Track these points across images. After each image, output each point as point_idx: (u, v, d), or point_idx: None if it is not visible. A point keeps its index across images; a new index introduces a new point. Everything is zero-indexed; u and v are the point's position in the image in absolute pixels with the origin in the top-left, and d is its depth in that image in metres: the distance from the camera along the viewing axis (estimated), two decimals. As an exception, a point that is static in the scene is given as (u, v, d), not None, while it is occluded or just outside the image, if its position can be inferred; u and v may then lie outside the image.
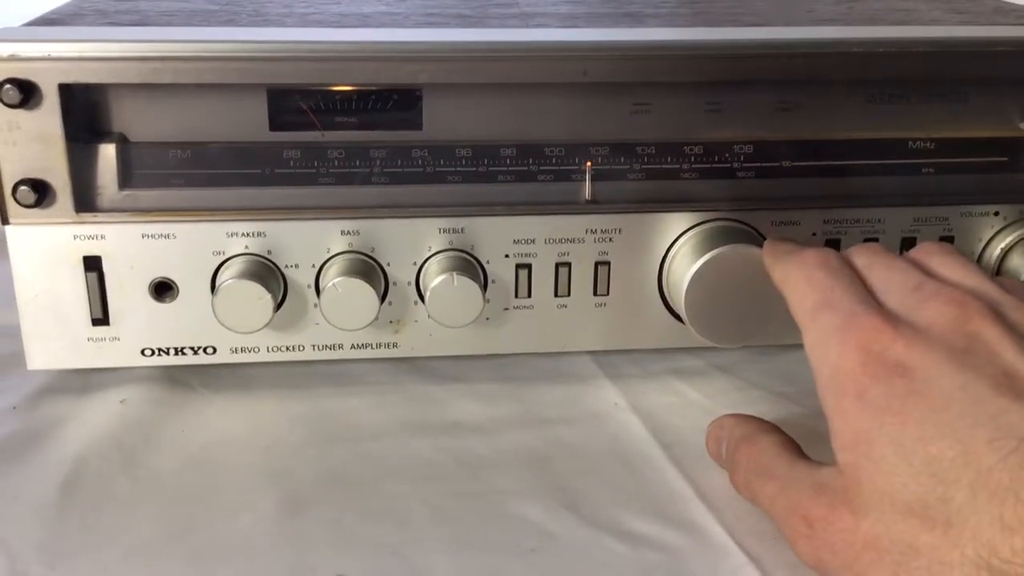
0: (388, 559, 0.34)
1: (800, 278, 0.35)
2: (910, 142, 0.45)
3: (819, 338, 0.33)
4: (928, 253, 0.35)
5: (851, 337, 0.32)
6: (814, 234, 0.45)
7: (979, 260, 0.46)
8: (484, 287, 0.43)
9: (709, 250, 0.42)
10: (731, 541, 0.35)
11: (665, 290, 0.45)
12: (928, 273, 0.34)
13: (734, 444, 0.36)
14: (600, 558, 0.34)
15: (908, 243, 0.45)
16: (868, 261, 0.35)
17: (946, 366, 0.30)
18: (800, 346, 0.34)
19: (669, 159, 0.44)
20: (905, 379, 0.30)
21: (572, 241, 0.44)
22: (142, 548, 0.34)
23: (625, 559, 0.34)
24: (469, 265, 0.43)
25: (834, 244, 0.45)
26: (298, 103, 0.42)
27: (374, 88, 0.42)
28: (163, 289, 0.43)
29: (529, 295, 0.44)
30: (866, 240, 0.45)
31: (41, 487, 0.37)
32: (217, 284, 0.42)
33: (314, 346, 0.44)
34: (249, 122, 0.42)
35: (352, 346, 0.44)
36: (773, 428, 0.36)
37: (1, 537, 0.34)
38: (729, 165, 0.44)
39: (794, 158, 0.44)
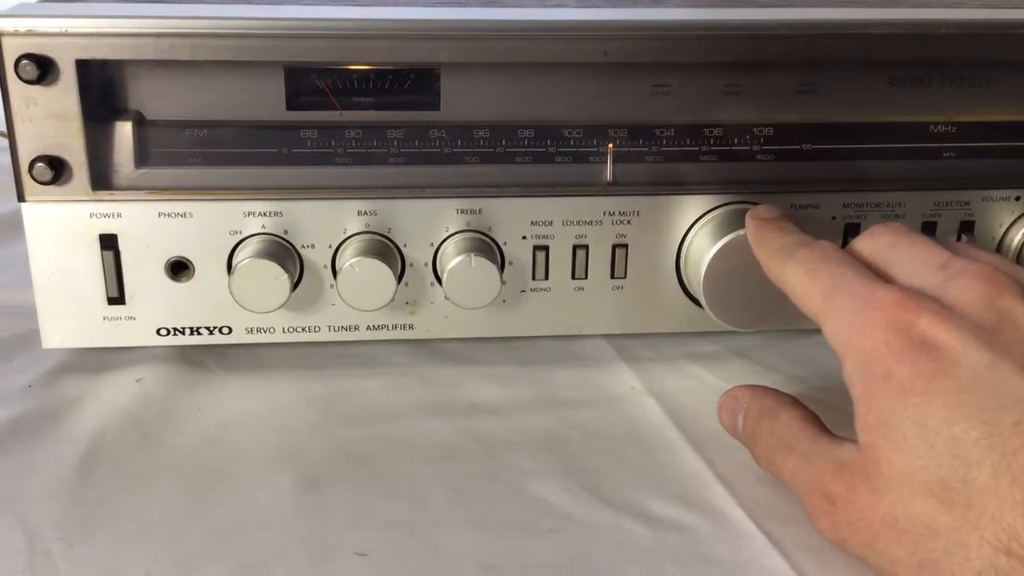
0: (406, 538, 0.34)
1: (799, 273, 0.35)
2: (931, 126, 0.45)
3: (840, 323, 0.32)
4: (954, 245, 0.35)
5: (873, 317, 0.31)
6: (834, 218, 0.44)
7: (1000, 245, 0.46)
8: (501, 269, 0.43)
9: (728, 233, 0.42)
10: (751, 523, 0.35)
11: (683, 273, 0.44)
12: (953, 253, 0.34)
13: (755, 417, 0.36)
14: (619, 540, 0.34)
15: (928, 227, 0.45)
16: (893, 239, 0.35)
17: (973, 343, 0.29)
18: (817, 330, 0.34)
19: (688, 141, 0.43)
20: (931, 357, 0.30)
21: (590, 223, 0.44)
22: (160, 525, 0.34)
23: (645, 541, 0.34)
24: (486, 246, 0.43)
25: (854, 228, 0.44)
26: (315, 82, 0.42)
27: (392, 67, 0.42)
28: (179, 268, 0.42)
29: (546, 277, 0.44)
30: (886, 225, 0.44)
31: (59, 464, 0.37)
32: (234, 264, 0.41)
33: (330, 327, 0.44)
34: (266, 101, 0.42)
35: (368, 327, 0.44)
36: (794, 401, 0.36)
37: (21, 513, 0.34)
38: (749, 148, 0.44)
39: (814, 141, 0.44)
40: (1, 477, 0.36)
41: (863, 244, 0.35)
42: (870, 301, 0.32)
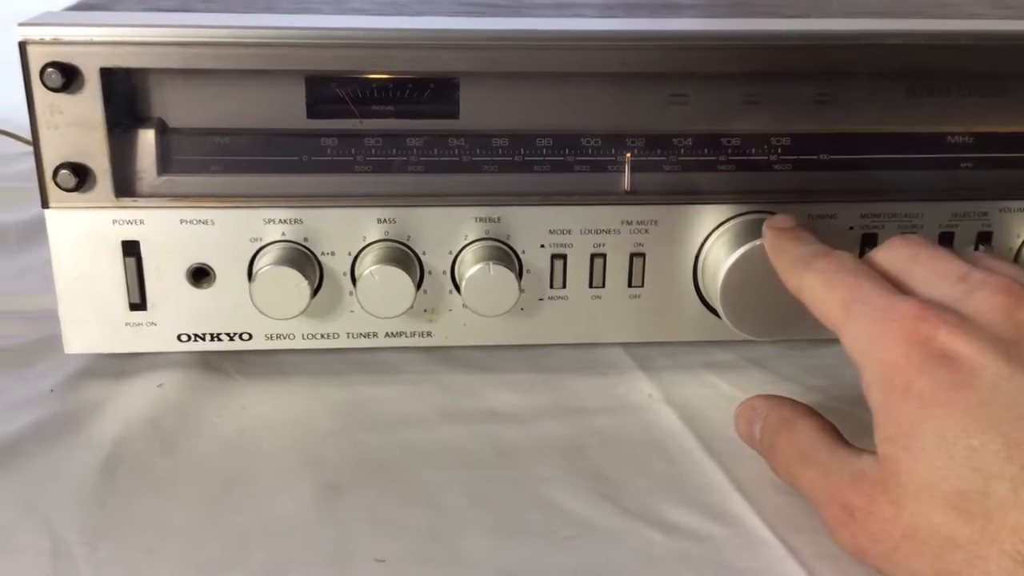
0: (427, 544, 0.34)
1: (817, 283, 0.35)
2: (949, 136, 0.45)
3: (859, 334, 0.32)
4: (972, 255, 0.35)
5: (892, 329, 0.31)
6: (851, 228, 0.44)
7: (1017, 256, 0.46)
8: (519, 277, 0.43)
9: (745, 243, 0.42)
10: (769, 532, 0.35)
11: (700, 283, 0.45)
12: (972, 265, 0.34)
13: (772, 428, 0.36)
14: (638, 547, 0.34)
15: (946, 238, 0.45)
16: (912, 252, 0.35)
17: (992, 356, 0.30)
18: (834, 340, 0.34)
19: (706, 151, 0.44)
20: (950, 369, 0.30)
21: (607, 232, 0.44)
22: (182, 529, 0.35)
23: (663, 549, 0.34)
24: (505, 255, 0.43)
25: (871, 238, 0.44)
26: (336, 91, 0.42)
27: (411, 76, 0.42)
28: (200, 275, 0.43)
29: (564, 286, 0.44)
30: (903, 235, 0.44)
31: (82, 468, 0.37)
32: (255, 270, 0.42)
33: (348, 334, 0.44)
34: (287, 109, 0.42)
35: (386, 334, 0.45)
36: (811, 412, 0.36)
37: (45, 517, 0.35)
38: (766, 158, 0.44)
39: (832, 151, 0.44)
40: (25, 481, 0.37)
41: (881, 255, 0.36)
42: (889, 313, 0.32)
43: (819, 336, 0.44)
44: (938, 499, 0.29)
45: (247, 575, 0.33)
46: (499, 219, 0.43)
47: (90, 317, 0.43)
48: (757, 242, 0.41)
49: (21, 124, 0.63)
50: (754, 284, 0.42)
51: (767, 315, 0.42)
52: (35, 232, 0.56)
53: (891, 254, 0.35)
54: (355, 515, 0.35)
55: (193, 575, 0.33)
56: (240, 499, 0.36)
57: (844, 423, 0.36)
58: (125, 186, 0.41)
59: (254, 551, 0.34)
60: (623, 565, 0.33)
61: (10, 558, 0.33)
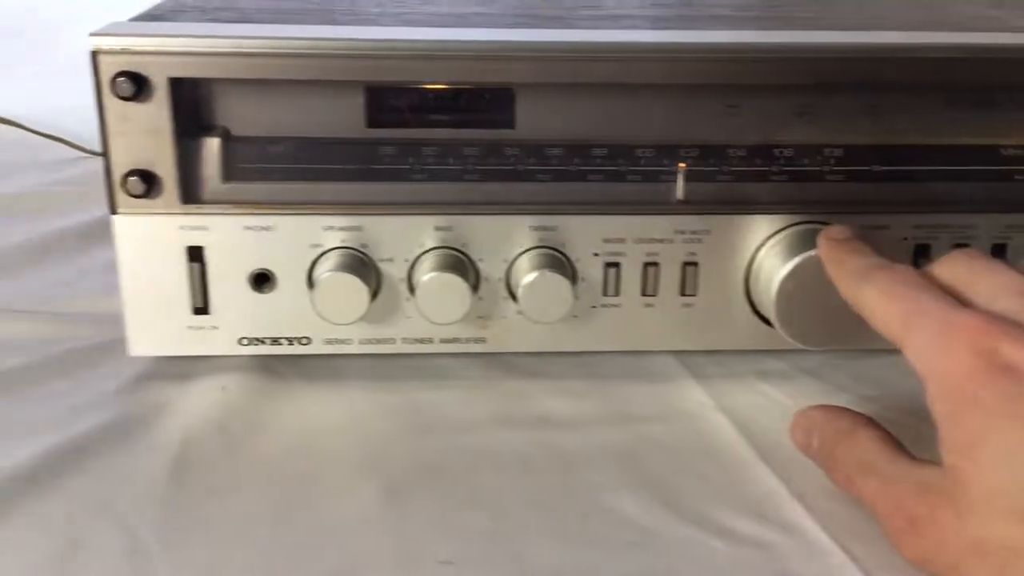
0: (491, 547, 0.35)
1: (877, 296, 0.35)
2: (1002, 148, 0.45)
3: (922, 346, 0.33)
4: None
5: (955, 340, 0.32)
6: (905, 239, 0.45)
7: (1070, 268, 0.46)
8: (573, 284, 0.43)
9: (797, 254, 0.42)
10: (830, 540, 0.35)
11: (752, 292, 0.45)
12: None
13: (832, 438, 0.36)
14: (699, 554, 0.35)
15: (999, 249, 0.45)
16: (969, 266, 0.35)
17: None
18: (887, 351, 0.34)
19: (759, 161, 0.44)
20: (1014, 381, 0.30)
21: (661, 241, 0.44)
22: (252, 530, 0.35)
23: (725, 556, 0.34)
24: (559, 262, 0.43)
25: (924, 249, 0.45)
26: (395, 100, 0.43)
27: (469, 86, 0.43)
28: (262, 280, 0.43)
29: (617, 294, 0.45)
30: (956, 246, 0.45)
31: (153, 468, 0.38)
32: (316, 276, 0.43)
33: (404, 339, 0.45)
34: (347, 119, 0.43)
35: (441, 340, 0.45)
36: (870, 421, 0.36)
37: (121, 514, 0.36)
38: (819, 168, 0.44)
39: (884, 162, 0.44)
40: (100, 481, 0.38)
41: (940, 269, 0.36)
42: (952, 326, 0.32)
43: (873, 346, 0.44)
44: (1004, 510, 0.29)
45: (321, 575, 0.33)
46: (554, 227, 0.44)
47: (154, 320, 0.43)
48: (811, 252, 0.41)
49: (72, 130, 0.64)
50: (808, 294, 0.42)
51: (820, 325, 0.43)
52: (91, 236, 0.58)
53: (948, 268, 0.36)
54: (418, 517, 0.36)
55: (267, 573, 0.33)
56: (306, 501, 0.37)
57: (900, 434, 0.36)
58: (191, 193, 0.42)
59: (323, 552, 0.34)
60: (687, 572, 0.34)
61: (88, 556, 0.34)
